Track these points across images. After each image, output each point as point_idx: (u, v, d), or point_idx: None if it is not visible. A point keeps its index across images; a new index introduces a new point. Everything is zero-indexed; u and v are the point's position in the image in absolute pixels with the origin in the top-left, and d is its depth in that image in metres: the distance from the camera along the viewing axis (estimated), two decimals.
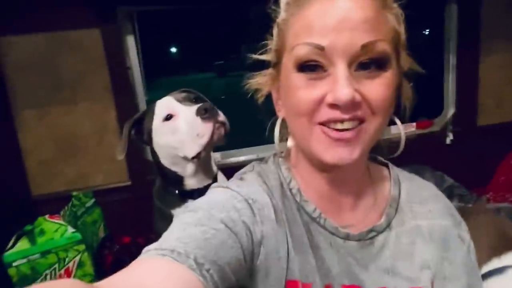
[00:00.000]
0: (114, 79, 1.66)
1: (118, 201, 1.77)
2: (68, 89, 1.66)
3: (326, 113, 0.55)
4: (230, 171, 1.28)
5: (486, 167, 1.97)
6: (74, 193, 1.65)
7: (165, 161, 1.20)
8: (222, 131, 1.11)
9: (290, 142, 0.71)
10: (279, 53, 0.63)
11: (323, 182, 0.66)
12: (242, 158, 1.96)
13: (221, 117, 1.11)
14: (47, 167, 1.72)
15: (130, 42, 1.69)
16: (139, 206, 1.64)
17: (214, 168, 1.27)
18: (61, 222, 1.53)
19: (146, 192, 1.34)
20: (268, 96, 0.72)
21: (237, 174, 0.73)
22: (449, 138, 1.97)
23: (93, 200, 1.71)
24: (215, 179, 1.25)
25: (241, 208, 0.60)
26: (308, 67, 0.56)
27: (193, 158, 1.13)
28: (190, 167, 1.18)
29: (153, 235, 1.30)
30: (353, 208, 0.67)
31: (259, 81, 0.72)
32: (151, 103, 1.23)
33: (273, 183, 0.68)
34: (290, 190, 0.67)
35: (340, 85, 0.52)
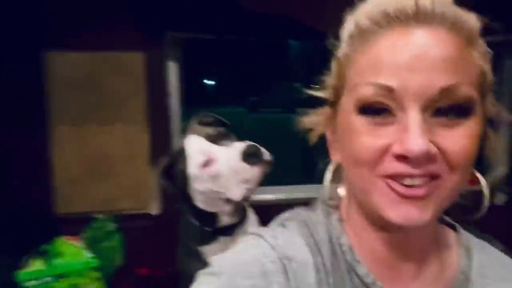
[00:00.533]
0: (152, 103, 1.64)
1: (141, 229, 1.69)
2: (106, 109, 1.65)
3: (392, 166, 0.46)
4: (256, 208, 1.22)
5: None
6: (97, 216, 1.59)
7: (201, 204, 1.11)
8: (268, 168, 1.04)
9: (342, 191, 0.62)
10: (338, 91, 0.55)
11: (380, 243, 0.56)
12: (268, 197, 1.86)
13: (267, 156, 1.03)
14: (74, 186, 1.68)
15: (173, 68, 1.67)
16: (162, 237, 1.57)
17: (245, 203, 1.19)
18: (80, 245, 1.47)
19: (171, 223, 1.26)
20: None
21: (278, 219, 0.63)
22: (501, 198, 1.81)
23: (115, 225, 1.65)
24: (245, 213, 1.18)
25: (272, 272, 0.51)
26: (372, 110, 0.48)
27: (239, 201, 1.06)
28: (228, 207, 1.11)
29: (172, 269, 1.23)
30: (415, 278, 0.56)
31: (313, 120, 0.64)
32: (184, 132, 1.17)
33: (321, 236, 0.58)
34: (340, 246, 0.57)
35: (412, 134, 0.43)
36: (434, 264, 0.58)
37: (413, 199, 0.46)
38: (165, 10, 1.57)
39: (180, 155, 1.09)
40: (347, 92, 0.52)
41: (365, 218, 0.56)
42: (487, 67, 0.50)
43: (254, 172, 1.00)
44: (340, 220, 0.60)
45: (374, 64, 0.47)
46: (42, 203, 1.66)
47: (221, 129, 1.12)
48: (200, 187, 1.07)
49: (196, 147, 1.06)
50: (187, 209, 1.15)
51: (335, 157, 0.59)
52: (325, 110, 0.60)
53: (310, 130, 0.65)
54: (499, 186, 1.85)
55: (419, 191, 0.45)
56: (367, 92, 0.47)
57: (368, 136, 0.48)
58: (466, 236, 0.63)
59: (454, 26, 0.45)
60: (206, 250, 1.12)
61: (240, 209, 1.15)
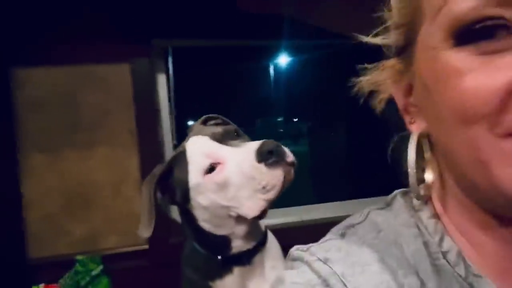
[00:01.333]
0: (140, 121, 1.43)
1: (131, 269, 1.44)
2: (87, 131, 1.43)
3: None
4: None
5: None
6: (79, 257, 1.33)
7: (206, 224, 0.87)
8: (292, 173, 0.79)
9: (429, 175, 0.43)
10: (411, 28, 0.38)
11: (508, 243, 0.37)
12: (278, 221, 1.64)
13: (290, 156, 0.79)
14: (50, 223, 1.43)
15: (161, 80, 1.48)
16: (156, 276, 1.36)
17: (262, 224, 0.96)
18: None
19: (166, 259, 1.04)
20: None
21: (338, 227, 0.45)
22: None
23: (101, 267, 1.38)
24: (265, 237, 0.94)
25: None
26: (478, 34, 0.30)
27: (254, 218, 0.81)
28: (241, 228, 0.86)
29: None
30: None
31: (375, 79, 0.46)
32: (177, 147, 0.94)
33: (410, 245, 0.40)
34: (444, 255, 0.39)
35: None
36: None
37: None
38: (149, 16, 1.40)
39: (178, 161, 0.85)
40: (429, 21, 0.34)
41: (479, 208, 0.37)
42: None
43: (274, 176, 0.76)
44: (435, 216, 0.41)
45: None
46: (13, 248, 1.39)
47: (230, 127, 0.89)
48: (204, 201, 0.83)
49: (199, 149, 0.83)
50: (190, 233, 0.92)
51: (415, 126, 0.41)
52: (391, 62, 0.43)
53: (373, 94, 0.47)
54: None
55: None
56: (466, 3, 0.30)
57: (478, 75, 0.31)
58: None
59: None
60: (218, 286, 0.88)
61: (256, 229, 0.92)
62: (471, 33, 0.31)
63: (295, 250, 0.43)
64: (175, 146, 1.54)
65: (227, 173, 0.79)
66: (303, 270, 0.40)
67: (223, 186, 0.80)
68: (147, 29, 1.41)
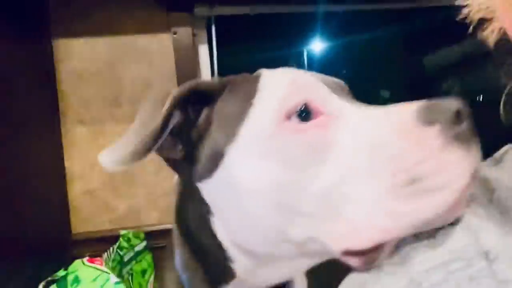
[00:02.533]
0: None
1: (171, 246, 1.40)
2: (128, 104, 1.39)
3: None
4: None
5: None
6: (122, 232, 1.31)
7: (237, 232, 0.45)
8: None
9: None
10: None
11: None
12: None
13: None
14: (93, 199, 1.41)
15: (204, 52, 1.42)
16: None
17: None
18: (103, 268, 1.18)
19: None
20: None
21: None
22: None
23: (144, 243, 1.36)
24: None
25: None
26: None
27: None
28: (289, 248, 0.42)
29: None
30: None
31: (485, 5, 0.37)
32: None
33: None
34: None
35: None
36: None
37: None
38: None
39: (236, 88, 0.46)
40: None
41: None
42: None
43: (451, 160, 0.33)
44: None
45: None
46: (56, 221, 1.38)
47: (344, 84, 0.49)
48: (255, 175, 0.40)
49: (288, 79, 0.43)
50: (185, 257, 0.52)
51: None
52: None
53: (481, 23, 0.37)
54: None
55: None
56: None
57: None
58: None
59: None
60: None
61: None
62: None
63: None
64: None
65: (342, 130, 0.39)
66: None
67: (318, 153, 0.38)
68: None
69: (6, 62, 1.17)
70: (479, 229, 0.32)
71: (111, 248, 1.27)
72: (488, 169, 0.37)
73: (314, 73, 0.47)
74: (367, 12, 1.40)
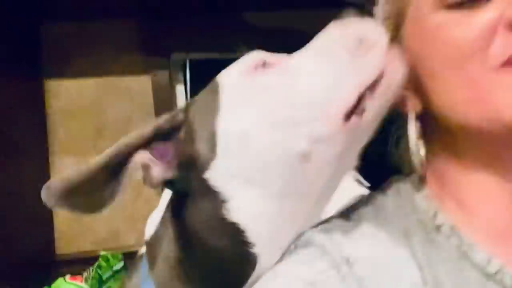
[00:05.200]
0: None
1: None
2: (112, 136, 1.55)
3: (510, 42, 0.33)
4: None
5: None
6: (102, 253, 1.44)
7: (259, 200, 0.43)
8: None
9: (423, 150, 0.44)
10: (399, 16, 0.43)
11: (502, 201, 0.39)
12: None
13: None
14: (76, 222, 1.54)
15: (180, 91, 1.60)
16: None
17: None
18: (83, 286, 1.31)
19: None
20: None
21: (339, 210, 0.47)
22: None
23: (121, 264, 1.49)
24: None
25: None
26: None
27: None
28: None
29: None
30: None
31: None
32: None
33: (405, 222, 0.41)
34: (437, 229, 0.40)
35: None
36: None
37: None
38: (169, 32, 1.52)
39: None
40: (412, 5, 0.40)
41: (475, 167, 0.39)
42: None
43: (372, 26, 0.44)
44: (429, 196, 0.43)
45: None
46: (42, 244, 1.51)
47: None
48: (246, 117, 0.44)
49: (244, 58, 0.50)
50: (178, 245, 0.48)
51: (411, 105, 0.44)
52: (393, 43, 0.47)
53: None
54: None
55: None
56: None
57: (463, 25, 0.35)
58: None
59: None
60: None
61: None
62: (450, 2, 0.35)
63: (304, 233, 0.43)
64: None
65: (297, 57, 0.47)
66: (306, 249, 0.41)
67: (287, 76, 0.44)
68: (167, 44, 1.53)
69: (2, 99, 1.33)
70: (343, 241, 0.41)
71: (91, 268, 1.40)
72: (376, 196, 0.47)
73: None
74: None
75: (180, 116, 0.48)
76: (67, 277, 1.30)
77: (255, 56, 0.47)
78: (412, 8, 0.41)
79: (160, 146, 0.46)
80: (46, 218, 1.51)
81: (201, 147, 0.45)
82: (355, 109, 0.40)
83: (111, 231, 1.57)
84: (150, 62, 1.53)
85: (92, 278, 1.36)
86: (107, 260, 1.44)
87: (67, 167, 1.53)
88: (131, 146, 0.46)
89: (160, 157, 0.46)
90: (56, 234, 1.53)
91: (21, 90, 1.43)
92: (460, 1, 0.35)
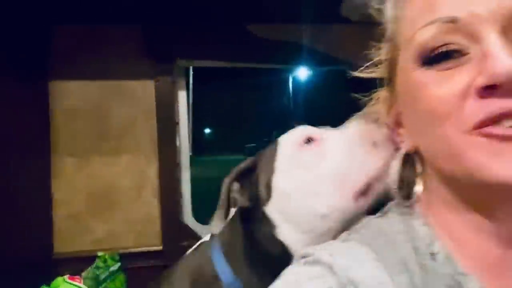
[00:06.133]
0: (161, 132, 1.58)
1: (145, 268, 1.56)
2: (114, 139, 1.58)
3: (479, 108, 0.36)
4: None
5: None
6: (100, 254, 1.47)
7: (290, 228, 0.67)
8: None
9: (420, 186, 0.50)
10: (392, 63, 0.47)
11: (491, 238, 0.41)
12: None
13: None
14: (75, 222, 1.57)
15: (182, 97, 1.63)
16: None
17: None
18: (81, 286, 1.33)
19: (178, 260, 1.14)
20: None
21: (342, 234, 0.51)
22: None
23: (118, 264, 1.51)
24: None
25: None
26: (438, 57, 0.39)
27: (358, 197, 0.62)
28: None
29: None
30: None
31: (374, 110, 0.57)
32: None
33: (403, 248, 0.45)
34: (434, 257, 0.43)
35: (495, 54, 0.35)
36: None
37: None
38: (173, 39, 1.56)
39: (265, 154, 0.73)
40: (403, 50, 0.44)
41: (459, 203, 0.43)
42: None
43: (384, 132, 0.59)
44: (426, 223, 0.46)
45: (427, 4, 0.40)
46: (40, 241, 1.53)
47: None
48: (292, 180, 0.66)
49: (298, 129, 0.72)
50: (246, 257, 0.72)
51: (405, 144, 0.49)
52: (384, 93, 0.52)
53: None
54: None
55: None
56: (427, 34, 0.39)
57: (439, 86, 0.39)
58: None
59: None
60: None
61: None
62: (433, 57, 0.39)
63: (300, 256, 0.47)
64: (191, 157, 1.68)
65: (331, 141, 0.66)
66: (311, 266, 0.44)
67: (320, 158, 0.64)
68: (171, 50, 1.56)
69: (8, 98, 1.36)
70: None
71: (89, 268, 1.43)
72: (376, 220, 0.52)
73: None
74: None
75: (254, 163, 0.74)
76: (66, 276, 1.32)
77: (304, 131, 0.69)
78: (401, 57, 0.45)
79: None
80: (45, 217, 1.54)
81: (262, 190, 0.70)
82: (365, 192, 0.61)
83: (110, 231, 1.60)
84: (154, 68, 1.56)
85: (90, 278, 1.38)
86: (104, 260, 1.47)
87: (68, 167, 1.56)
88: (232, 179, 0.72)
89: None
90: (55, 234, 1.56)
91: (26, 90, 1.45)
92: (435, 60, 0.39)
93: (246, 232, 0.72)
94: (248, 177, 0.73)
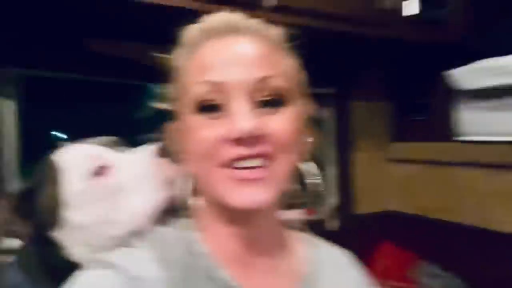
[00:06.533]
0: None
1: None
2: None
3: (227, 152, 0.53)
4: None
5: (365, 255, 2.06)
6: None
7: (83, 250, 0.67)
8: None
9: (198, 201, 0.66)
10: (178, 100, 0.61)
11: (234, 240, 0.60)
12: None
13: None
14: None
15: (10, 108, 1.47)
16: None
17: None
18: None
19: None
20: None
21: (130, 243, 0.64)
22: (332, 224, 2.08)
23: None
24: None
25: None
26: (207, 108, 0.55)
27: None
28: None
29: None
30: (269, 272, 0.62)
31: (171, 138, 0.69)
32: None
33: (176, 250, 0.59)
34: (199, 256, 0.60)
35: (237, 116, 0.52)
36: (286, 258, 0.65)
37: (252, 181, 0.53)
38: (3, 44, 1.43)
39: (46, 177, 0.69)
40: (184, 96, 0.58)
41: (217, 216, 0.60)
42: (295, 68, 0.61)
43: (177, 171, 0.67)
44: (198, 229, 0.63)
45: (202, 66, 0.56)
46: None
47: (116, 139, 0.78)
48: (87, 215, 0.66)
49: (83, 153, 0.69)
50: (42, 270, 0.69)
51: (189, 168, 0.64)
52: (174, 125, 0.65)
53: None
54: (332, 213, 2.14)
55: (256, 174, 0.53)
56: (198, 90, 0.55)
57: (205, 130, 0.54)
58: (307, 234, 0.74)
59: (259, 34, 0.58)
60: None
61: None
62: (202, 108, 0.55)
63: (92, 263, 0.58)
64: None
65: (120, 176, 0.67)
66: (101, 270, 0.55)
67: (114, 191, 0.66)
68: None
69: None
70: None
71: None
72: (162, 229, 0.67)
73: (96, 140, 0.75)
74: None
75: (30, 190, 0.71)
76: None
77: (94, 159, 0.68)
78: (184, 101, 0.58)
79: None
80: None
81: (48, 219, 0.68)
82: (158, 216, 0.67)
83: None
84: None
85: None
86: None
87: None
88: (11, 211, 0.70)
89: None
90: None
91: None
92: (204, 110, 0.55)
93: (39, 253, 0.70)
94: (26, 205, 0.68)
